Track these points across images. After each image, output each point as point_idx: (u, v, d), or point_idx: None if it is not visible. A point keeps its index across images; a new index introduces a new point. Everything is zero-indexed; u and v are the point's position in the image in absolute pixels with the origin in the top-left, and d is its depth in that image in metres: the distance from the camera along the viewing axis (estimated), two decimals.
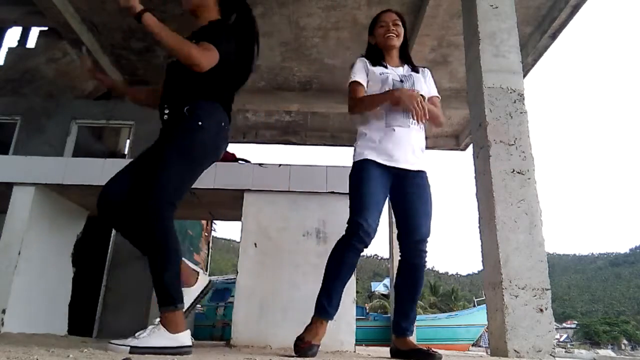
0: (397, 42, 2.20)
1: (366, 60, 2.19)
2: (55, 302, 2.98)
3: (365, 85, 2.12)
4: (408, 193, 2.03)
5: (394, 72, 2.16)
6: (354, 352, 2.25)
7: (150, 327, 1.61)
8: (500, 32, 3.05)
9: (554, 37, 5.02)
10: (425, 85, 2.20)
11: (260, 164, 2.59)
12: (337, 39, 5.49)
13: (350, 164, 2.14)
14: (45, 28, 5.84)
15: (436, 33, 5.22)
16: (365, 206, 1.91)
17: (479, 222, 2.85)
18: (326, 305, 1.87)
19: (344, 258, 1.90)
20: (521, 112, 2.86)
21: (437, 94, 2.26)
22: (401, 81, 2.11)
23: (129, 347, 1.50)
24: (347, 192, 2.16)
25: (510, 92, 2.90)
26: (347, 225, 1.94)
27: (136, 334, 1.57)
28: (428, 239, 2.03)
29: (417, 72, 2.22)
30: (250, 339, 2.30)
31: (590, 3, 4.40)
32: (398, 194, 2.06)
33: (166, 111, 1.82)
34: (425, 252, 2.02)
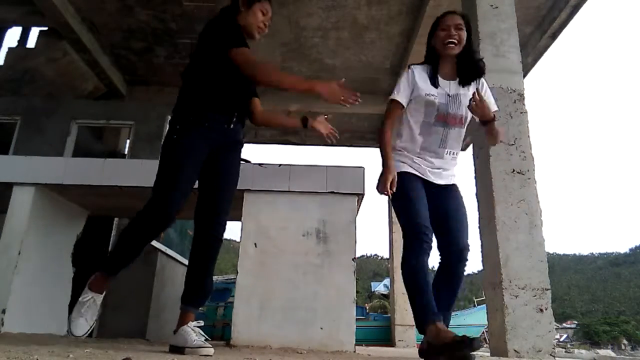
0: (455, 51, 2.00)
1: (415, 74, 2.04)
2: (55, 302, 2.98)
3: (405, 105, 2.04)
4: (446, 205, 2.02)
5: (442, 92, 2.00)
6: (354, 352, 2.24)
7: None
8: (500, 32, 3.05)
9: (554, 37, 5.02)
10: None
11: (260, 164, 2.59)
12: (337, 39, 5.49)
13: (350, 164, 2.16)
14: (45, 28, 5.83)
15: None
16: (418, 211, 1.90)
17: (479, 222, 2.85)
18: (430, 312, 1.79)
19: (423, 264, 1.87)
20: (521, 112, 2.86)
21: (494, 108, 2.04)
22: (448, 103, 1.99)
23: None
24: (347, 192, 2.18)
25: (510, 92, 2.90)
26: (408, 232, 1.91)
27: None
28: (469, 248, 2.00)
29: (472, 83, 2.04)
30: (250, 339, 2.30)
31: (590, 3, 4.41)
32: (436, 206, 2.02)
33: (234, 119, 1.99)
34: (467, 260, 1.99)
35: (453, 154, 2.06)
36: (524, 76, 3.19)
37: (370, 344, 6.79)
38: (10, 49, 5.99)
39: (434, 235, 1.93)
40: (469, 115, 2.02)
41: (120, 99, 6.37)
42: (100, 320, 4.27)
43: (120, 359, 1.26)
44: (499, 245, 2.56)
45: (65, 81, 5.92)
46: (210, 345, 1.68)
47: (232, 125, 1.96)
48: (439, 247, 2.03)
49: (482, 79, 2.10)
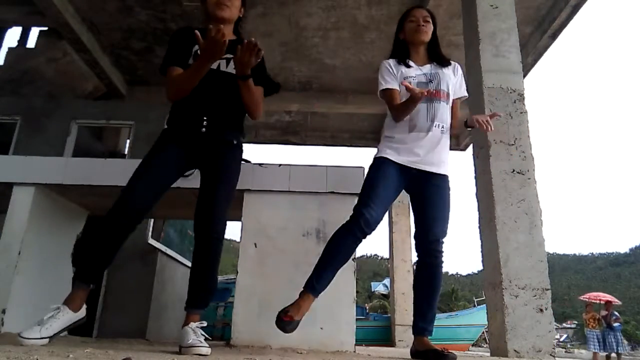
0: (427, 37, 2.16)
1: (390, 63, 2.16)
2: (55, 302, 2.97)
3: (398, 89, 2.10)
4: (428, 195, 2.05)
5: (420, 72, 2.11)
6: (354, 352, 2.24)
7: None
8: (500, 32, 3.05)
9: (554, 37, 5.02)
10: (452, 83, 2.15)
11: (260, 164, 2.59)
12: (337, 39, 5.49)
13: (351, 164, 2.19)
14: (45, 28, 5.83)
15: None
16: (372, 199, 1.96)
17: (479, 222, 2.85)
18: (315, 283, 1.94)
19: (341, 242, 1.96)
20: (521, 112, 2.87)
21: (464, 94, 2.22)
22: (430, 81, 2.08)
23: None
24: (347, 192, 2.19)
25: (510, 92, 2.90)
26: (352, 212, 1.97)
27: None
28: (443, 240, 2.02)
29: (447, 66, 2.17)
30: (250, 339, 2.30)
31: (591, 3, 4.41)
32: (418, 194, 2.08)
33: (205, 123, 1.92)
34: (440, 252, 2.01)
35: (442, 127, 2.07)
36: (524, 76, 3.19)
37: (370, 344, 6.79)
38: (10, 49, 5.99)
39: (377, 224, 1.99)
40: (450, 89, 2.12)
41: (120, 99, 6.36)
42: (100, 320, 4.28)
43: (120, 359, 1.26)
44: (499, 245, 2.57)
45: (65, 81, 5.92)
46: (207, 345, 1.69)
47: (203, 129, 1.92)
48: (415, 238, 2.07)
49: (458, 65, 2.24)
